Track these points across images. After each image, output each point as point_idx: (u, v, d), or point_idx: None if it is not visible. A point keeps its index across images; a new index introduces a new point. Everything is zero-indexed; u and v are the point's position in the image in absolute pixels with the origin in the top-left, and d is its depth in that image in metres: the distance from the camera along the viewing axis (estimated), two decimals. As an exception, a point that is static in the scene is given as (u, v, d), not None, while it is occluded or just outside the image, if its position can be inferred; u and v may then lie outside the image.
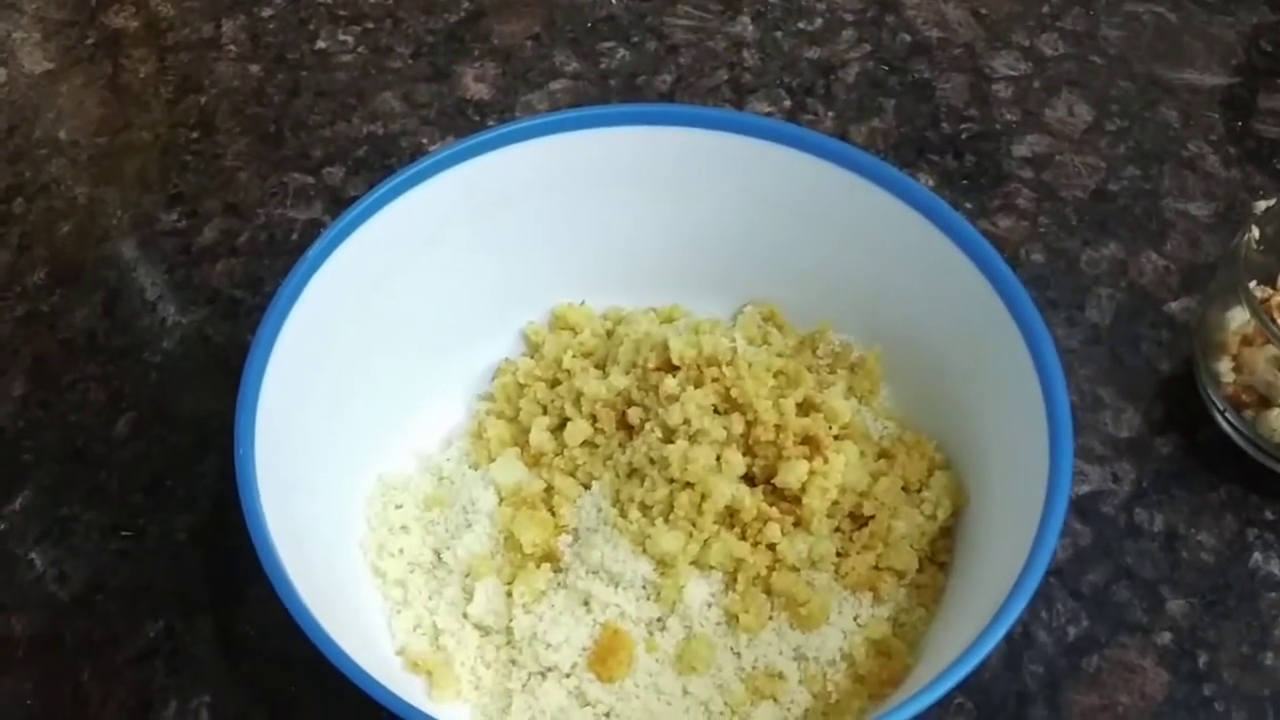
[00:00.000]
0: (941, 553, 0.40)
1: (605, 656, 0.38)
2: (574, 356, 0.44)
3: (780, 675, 0.38)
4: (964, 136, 0.56)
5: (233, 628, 0.42)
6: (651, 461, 0.40)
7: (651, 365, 0.41)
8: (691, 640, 0.39)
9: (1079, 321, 0.50)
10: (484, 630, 0.40)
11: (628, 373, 0.42)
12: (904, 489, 0.41)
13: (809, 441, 0.39)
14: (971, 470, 0.41)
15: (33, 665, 0.42)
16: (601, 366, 0.44)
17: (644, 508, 0.40)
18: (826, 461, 0.39)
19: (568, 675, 0.39)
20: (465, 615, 0.40)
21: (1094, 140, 0.56)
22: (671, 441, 0.39)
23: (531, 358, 0.46)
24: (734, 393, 0.40)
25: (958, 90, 0.58)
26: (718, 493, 0.38)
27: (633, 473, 0.40)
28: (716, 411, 0.40)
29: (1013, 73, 0.59)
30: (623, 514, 0.40)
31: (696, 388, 0.40)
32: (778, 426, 0.39)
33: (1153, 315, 0.50)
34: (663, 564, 0.39)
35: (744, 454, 0.39)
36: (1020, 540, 0.35)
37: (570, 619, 0.39)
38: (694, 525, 0.39)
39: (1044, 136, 0.56)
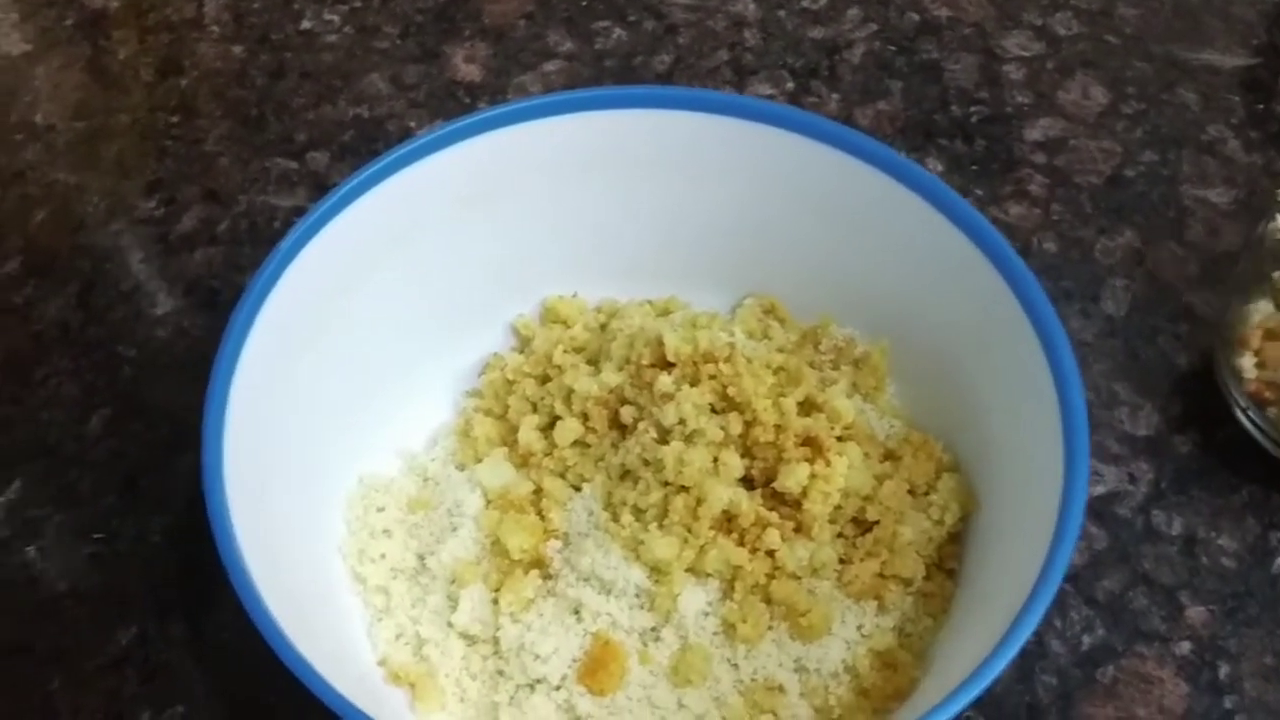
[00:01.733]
0: (949, 559, 0.38)
1: (596, 669, 0.36)
2: (565, 352, 0.42)
3: (780, 688, 0.36)
4: (974, 120, 0.54)
5: (207, 633, 0.40)
6: (645, 463, 0.38)
7: (645, 362, 0.39)
8: (687, 651, 0.37)
9: (1093, 313, 0.47)
10: (469, 640, 0.38)
11: (620, 369, 0.40)
12: (910, 492, 0.39)
13: (810, 443, 0.37)
14: (981, 473, 0.39)
15: (1, 674, 0.40)
16: (594, 362, 0.42)
17: (637, 511, 0.38)
18: (828, 464, 0.37)
19: (557, 688, 0.37)
20: (450, 624, 0.38)
21: (1109, 124, 0.53)
22: (666, 442, 0.37)
23: (521, 352, 0.44)
24: (731, 391, 0.38)
25: (968, 71, 0.56)
26: (714, 497, 0.36)
27: (625, 474, 0.39)
28: (714, 410, 0.38)
29: (1025, 53, 0.56)
30: (615, 518, 0.38)
31: (692, 385, 0.38)
32: (777, 427, 0.37)
33: (1170, 307, 0.48)
34: (657, 571, 0.37)
35: (742, 456, 0.37)
36: (1034, 548, 0.33)
37: (559, 628, 0.37)
38: (689, 531, 0.37)
39: (1057, 120, 0.54)
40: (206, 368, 0.37)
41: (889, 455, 0.40)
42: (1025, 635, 0.31)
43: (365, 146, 0.54)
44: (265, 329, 0.38)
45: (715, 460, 0.37)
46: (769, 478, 0.37)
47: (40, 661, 0.40)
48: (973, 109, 0.54)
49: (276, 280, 0.38)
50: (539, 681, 0.37)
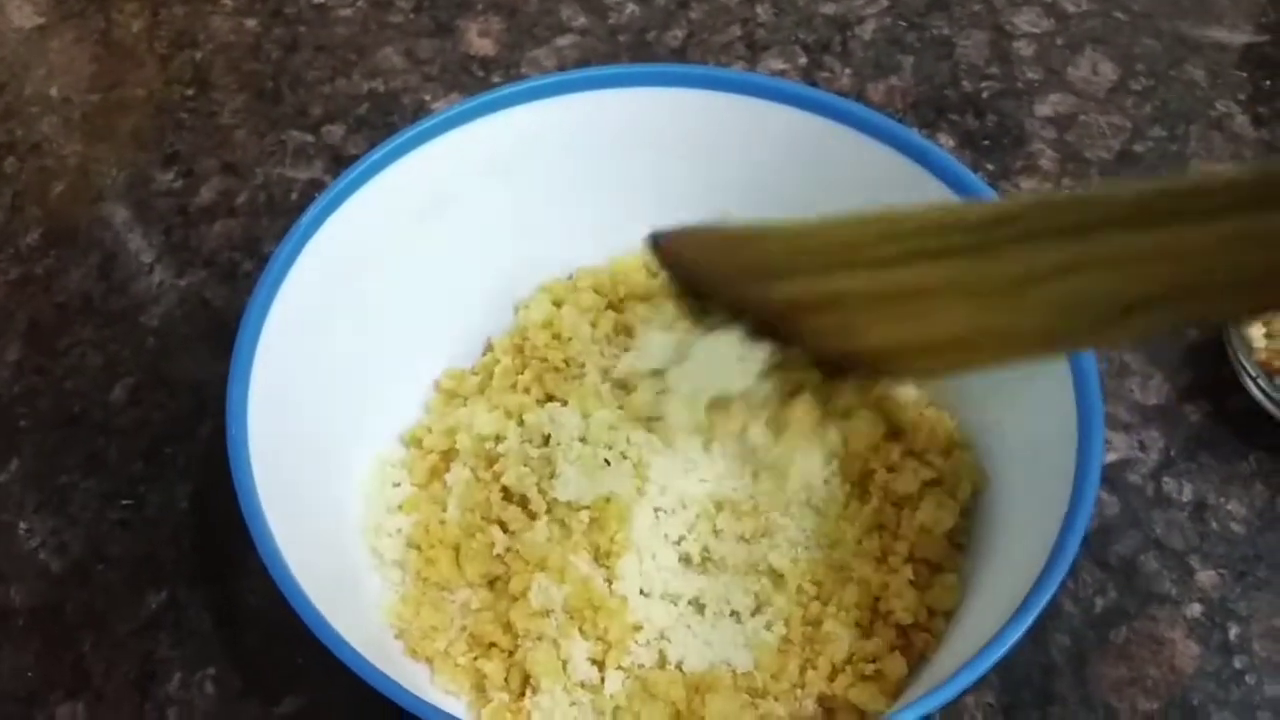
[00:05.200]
0: (959, 534, 0.39)
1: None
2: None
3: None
4: (985, 95, 0.55)
5: (237, 598, 0.41)
6: None
7: None
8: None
9: (1104, 285, 0.48)
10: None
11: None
12: (926, 469, 0.39)
13: None
14: (990, 448, 0.39)
15: (33, 636, 0.41)
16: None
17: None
18: None
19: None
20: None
21: (1119, 100, 0.54)
22: None
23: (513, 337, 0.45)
24: None
25: (978, 48, 0.56)
26: None
27: None
28: None
29: (1034, 30, 0.57)
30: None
31: None
32: None
33: (1180, 279, 0.48)
34: None
35: None
36: (1049, 517, 0.34)
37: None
38: None
39: (1067, 96, 0.54)
40: (228, 338, 0.38)
41: (897, 430, 0.40)
42: (1048, 595, 0.32)
43: (381, 119, 0.54)
44: (287, 302, 0.38)
45: None
46: None
47: (71, 625, 0.41)
48: (983, 84, 0.55)
49: (299, 254, 0.39)
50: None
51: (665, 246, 0.32)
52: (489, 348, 0.45)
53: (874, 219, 0.30)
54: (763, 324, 0.29)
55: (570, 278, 0.45)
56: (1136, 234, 0.25)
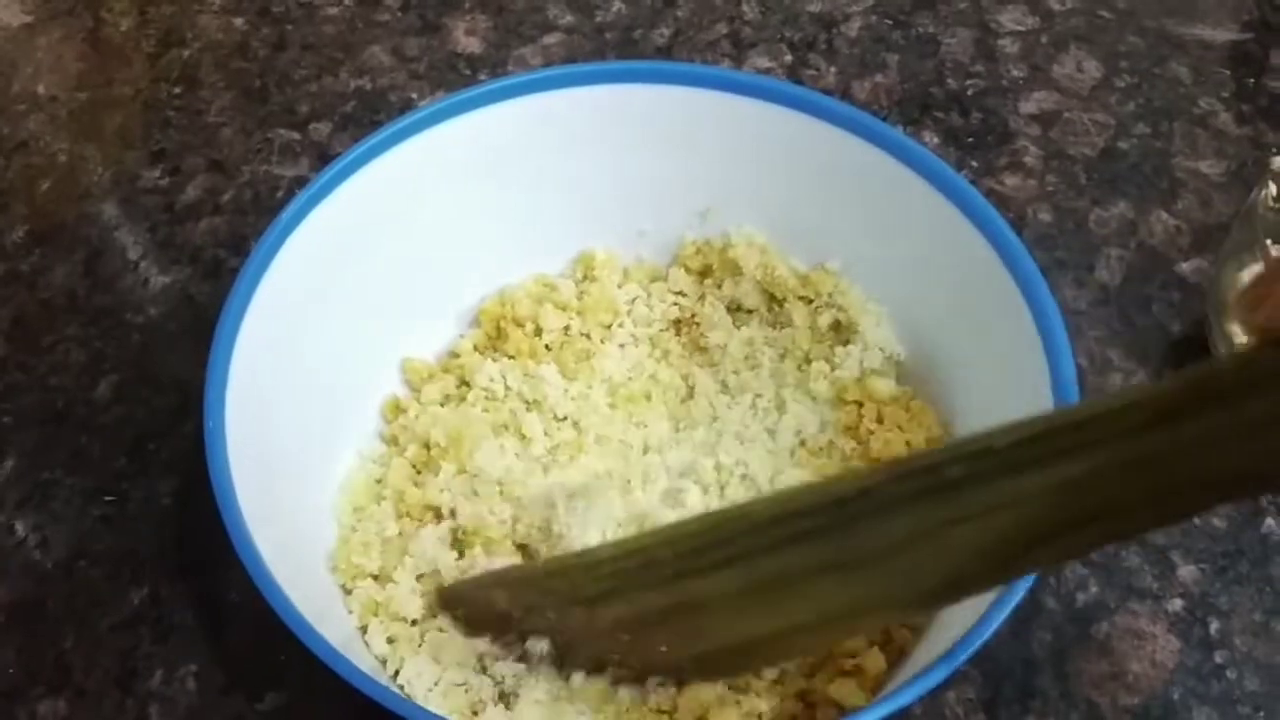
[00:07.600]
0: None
1: None
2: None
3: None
4: (970, 93, 0.55)
5: (219, 594, 0.41)
6: None
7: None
8: None
9: (1087, 282, 0.48)
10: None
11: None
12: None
13: None
14: None
15: (14, 632, 0.41)
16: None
17: None
18: None
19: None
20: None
21: (1103, 97, 0.54)
22: None
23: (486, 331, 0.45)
24: None
25: (963, 45, 0.57)
26: None
27: None
28: None
29: (1019, 28, 0.57)
30: None
31: None
32: None
33: (1163, 276, 0.48)
34: None
35: None
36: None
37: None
38: None
39: (1052, 93, 0.55)
40: (212, 335, 0.38)
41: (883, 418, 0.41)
42: (1024, 588, 0.32)
43: (367, 117, 0.54)
44: (267, 297, 0.38)
45: None
46: None
47: (53, 621, 0.41)
48: (968, 82, 0.55)
49: (279, 248, 0.39)
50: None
51: (452, 598, 0.33)
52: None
53: (712, 518, 0.30)
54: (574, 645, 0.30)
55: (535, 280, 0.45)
56: (1019, 477, 0.25)
